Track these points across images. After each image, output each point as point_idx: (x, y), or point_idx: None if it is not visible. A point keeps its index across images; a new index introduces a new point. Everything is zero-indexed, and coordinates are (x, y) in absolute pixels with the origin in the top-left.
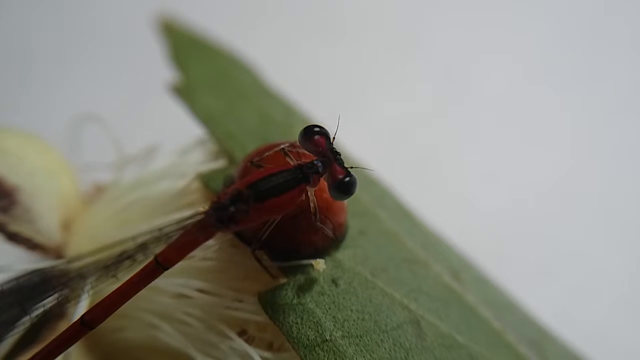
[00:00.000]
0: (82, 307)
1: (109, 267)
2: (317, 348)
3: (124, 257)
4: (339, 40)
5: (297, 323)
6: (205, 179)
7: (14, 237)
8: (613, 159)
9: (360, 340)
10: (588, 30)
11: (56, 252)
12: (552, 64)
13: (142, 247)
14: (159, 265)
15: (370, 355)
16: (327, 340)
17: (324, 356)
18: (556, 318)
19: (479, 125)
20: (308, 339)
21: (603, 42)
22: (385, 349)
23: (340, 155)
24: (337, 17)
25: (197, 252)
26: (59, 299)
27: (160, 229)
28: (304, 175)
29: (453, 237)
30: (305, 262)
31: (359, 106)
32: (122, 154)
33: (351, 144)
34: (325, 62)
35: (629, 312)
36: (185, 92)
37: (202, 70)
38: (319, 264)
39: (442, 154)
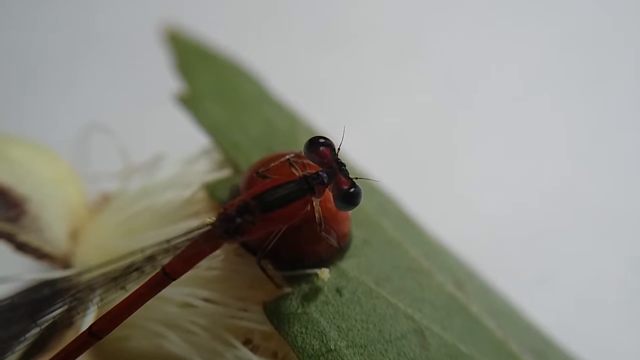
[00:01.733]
0: (90, 318)
1: (117, 279)
2: (321, 358)
3: (132, 269)
4: (341, 50)
5: (301, 332)
6: (211, 189)
7: (23, 247)
8: (614, 165)
9: (364, 350)
10: (589, 39)
11: (64, 262)
12: (552, 71)
13: (150, 258)
14: (167, 276)
15: None
16: (331, 349)
17: None
18: (558, 325)
19: (479, 132)
20: (313, 349)
21: (603, 50)
22: (389, 358)
23: (345, 166)
24: (339, 26)
25: (203, 262)
26: (68, 310)
27: (167, 241)
28: (309, 186)
29: (454, 244)
30: (310, 271)
31: (360, 114)
32: (128, 163)
33: (353, 151)
34: (328, 70)
35: (631, 319)
36: (190, 102)
37: (207, 79)
38: (324, 273)
39: (443, 162)
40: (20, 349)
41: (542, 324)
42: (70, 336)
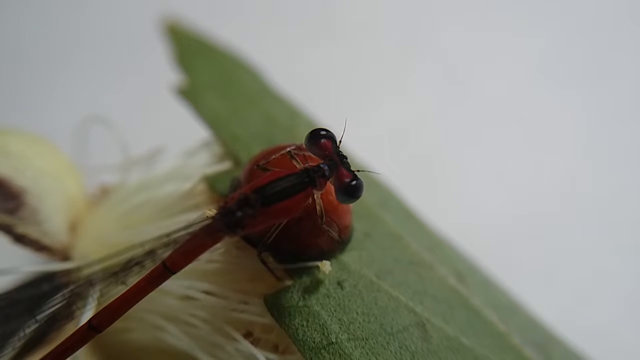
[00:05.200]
0: (89, 311)
1: (117, 273)
2: (322, 351)
3: (132, 264)
4: (342, 43)
5: (302, 325)
6: (211, 181)
7: (21, 239)
8: (616, 160)
9: (366, 343)
10: (590, 32)
11: (63, 254)
12: (553, 65)
13: (150, 253)
14: (167, 270)
15: (376, 358)
16: (333, 342)
17: (330, 359)
18: (560, 320)
19: (481, 127)
20: (314, 342)
21: (605, 44)
22: (391, 351)
23: (346, 158)
24: (340, 19)
25: (203, 255)
26: (67, 305)
27: (167, 235)
28: (310, 179)
29: (456, 239)
30: (311, 264)
31: (361, 108)
32: (127, 156)
33: (354, 145)
34: (329, 64)
35: (633, 313)
36: (190, 94)
37: (207, 72)
38: (325, 266)
39: (445, 156)
40: (19, 345)
41: (544, 318)
42: (70, 329)
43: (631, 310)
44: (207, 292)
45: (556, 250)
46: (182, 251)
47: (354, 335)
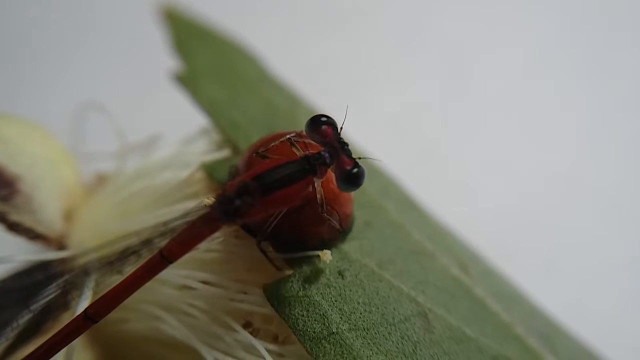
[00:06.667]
0: (85, 301)
1: (113, 262)
2: (323, 341)
3: (128, 253)
4: (343, 31)
5: (303, 315)
6: (209, 169)
7: (15, 227)
8: (618, 150)
9: (367, 333)
10: (592, 24)
11: (58, 242)
12: (555, 56)
13: (147, 242)
14: (164, 259)
15: (378, 348)
16: (333, 332)
17: (331, 349)
18: (564, 310)
19: (483, 117)
20: (314, 332)
21: (606, 36)
22: (392, 341)
23: (347, 145)
24: (342, 7)
25: (202, 244)
26: (63, 294)
27: (165, 224)
28: (310, 167)
29: (458, 229)
30: (311, 253)
31: (362, 97)
32: (124, 143)
33: (355, 134)
34: (329, 52)
35: (636, 301)
36: (188, 81)
37: (206, 58)
38: (326, 255)
39: (447, 146)
40: (13, 335)
41: (546, 308)
42: (65, 319)
43: (634, 298)
44: (205, 282)
45: (558, 240)
46: (180, 240)
47: (355, 325)
